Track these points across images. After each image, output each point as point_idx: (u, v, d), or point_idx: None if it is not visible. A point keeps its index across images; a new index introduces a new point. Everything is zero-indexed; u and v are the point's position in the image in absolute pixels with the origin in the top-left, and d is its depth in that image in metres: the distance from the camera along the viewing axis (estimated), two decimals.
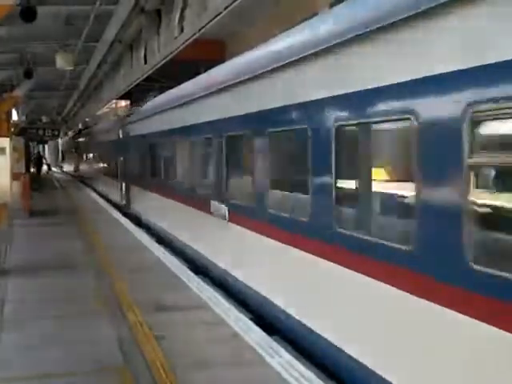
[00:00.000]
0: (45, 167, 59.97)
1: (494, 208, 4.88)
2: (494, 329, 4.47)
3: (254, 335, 7.79)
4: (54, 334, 8.18)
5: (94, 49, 20.72)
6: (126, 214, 22.27)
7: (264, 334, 7.87)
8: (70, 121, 54.35)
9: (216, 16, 11.14)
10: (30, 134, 45.87)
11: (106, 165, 31.74)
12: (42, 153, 69.39)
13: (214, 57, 19.49)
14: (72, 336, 8.04)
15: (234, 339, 7.70)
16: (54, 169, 75.87)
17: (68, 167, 66.04)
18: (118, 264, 12.64)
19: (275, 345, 7.45)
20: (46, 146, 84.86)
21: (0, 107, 20.93)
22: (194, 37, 12.99)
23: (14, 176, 19.10)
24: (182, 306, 9.34)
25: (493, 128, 4.81)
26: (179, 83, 16.04)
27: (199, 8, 12.27)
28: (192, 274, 11.72)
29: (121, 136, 25.00)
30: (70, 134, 63.95)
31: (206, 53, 20.40)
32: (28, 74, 20.80)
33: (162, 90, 20.36)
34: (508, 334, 4.36)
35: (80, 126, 54.32)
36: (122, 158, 24.81)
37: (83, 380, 6.62)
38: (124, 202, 24.53)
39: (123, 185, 24.74)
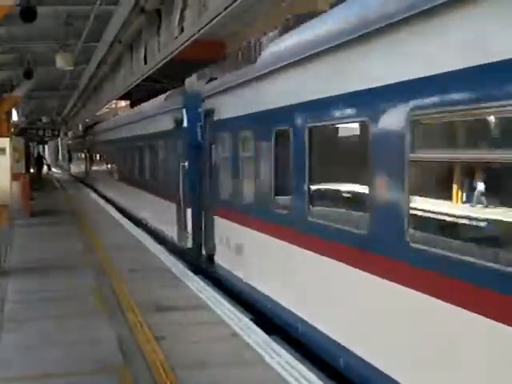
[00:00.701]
0: (45, 167, 59.90)
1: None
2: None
3: (254, 335, 7.79)
4: (54, 334, 8.19)
5: (94, 49, 20.71)
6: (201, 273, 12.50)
7: (264, 333, 7.87)
8: (70, 121, 54.28)
9: (216, 16, 11.14)
10: (30, 134, 45.87)
11: (143, 174, 20.10)
12: (42, 153, 69.22)
13: (213, 57, 19.48)
14: (72, 336, 8.04)
15: (234, 339, 7.70)
16: (53, 169, 75.77)
17: (77, 170, 51.63)
18: (118, 264, 12.64)
19: (275, 345, 7.45)
20: (46, 147, 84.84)
21: (0, 107, 20.93)
22: (194, 37, 12.99)
23: (14, 176, 19.10)
24: (181, 306, 9.35)
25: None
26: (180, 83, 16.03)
27: (199, 8, 12.28)
28: (192, 274, 11.72)
29: (185, 123, 14.23)
30: (79, 128, 51.10)
31: (206, 53, 20.38)
32: (28, 74, 20.78)
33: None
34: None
35: (95, 116, 42.19)
36: (186, 164, 14.02)
37: (83, 380, 6.63)
38: (190, 244, 13.74)
39: (189, 213, 13.80)
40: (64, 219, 21.09)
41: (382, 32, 6.04)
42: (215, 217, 12.06)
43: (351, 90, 6.73)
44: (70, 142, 63.11)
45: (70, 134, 62.18)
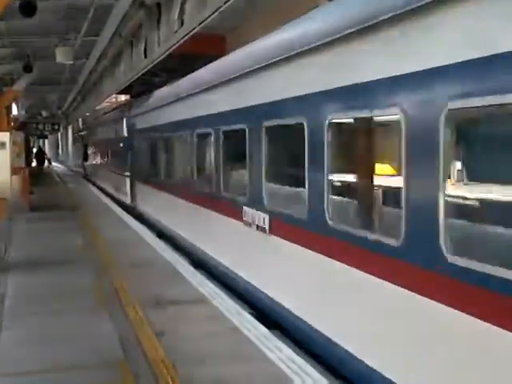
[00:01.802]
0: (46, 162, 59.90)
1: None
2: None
3: (254, 329, 7.79)
4: (54, 329, 8.18)
5: (93, 43, 20.69)
6: None
7: (264, 328, 7.87)
8: (70, 115, 54.27)
9: (216, 10, 11.10)
10: (30, 128, 45.83)
11: None
12: (42, 147, 69.12)
13: (214, 51, 19.43)
14: (72, 331, 8.04)
15: (234, 334, 7.70)
16: (53, 163, 75.74)
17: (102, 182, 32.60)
18: (118, 259, 12.64)
19: (275, 339, 7.45)
20: (47, 141, 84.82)
21: (0, 101, 20.91)
22: (194, 31, 12.95)
23: (14, 171, 19.09)
24: (182, 300, 9.34)
25: None
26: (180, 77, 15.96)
27: (199, 2, 12.24)
28: (192, 268, 11.72)
29: None
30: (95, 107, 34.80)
31: (206, 47, 20.34)
32: (28, 68, 20.78)
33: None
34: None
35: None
36: None
37: (84, 375, 6.61)
38: None
39: None
40: (64, 214, 21.07)
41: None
42: None
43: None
44: (84, 132, 44.82)
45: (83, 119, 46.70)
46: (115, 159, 26.88)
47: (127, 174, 23.00)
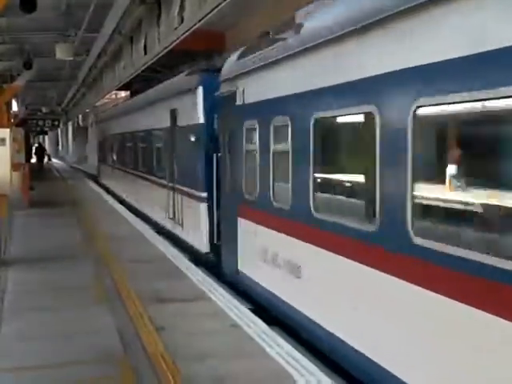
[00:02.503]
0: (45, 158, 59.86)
1: None
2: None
3: (254, 326, 7.81)
4: (54, 324, 8.19)
5: (93, 39, 20.69)
6: None
7: (264, 324, 7.89)
8: (70, 111, 54.24)
9: (215, 7, 11.11)
10: (30, 124, 45.84)
11: None
12: (42, 144, 69.07)
13: (213, 47, 19.46)
14: (72, 327, 8.05)
15: (234, 330, 7.71)
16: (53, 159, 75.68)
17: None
18: (118, 255, 12.65)
19: (275, 335, 7.47)
20: (46, 137, 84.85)
21: (0, 98, 20.90)
22: (194, 28, 12.96)
23: (14, 167, 19.09)
24: (181, 297, 9.36)
25: None
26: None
27: None
28: (192, 265, 11.74)
29: None
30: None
31: (205, 43, 20.35)
32: (27, 65, 20.78)
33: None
34: None
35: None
36: None
37: (83, 371, 6.63)
38: None
39: None
40: (64, 210, 21.07)
41: None
42: None
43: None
44: (100, 124, 34.57)
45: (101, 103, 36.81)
46: (169, 165, 15.85)
47: (203, 195, 12.85)
